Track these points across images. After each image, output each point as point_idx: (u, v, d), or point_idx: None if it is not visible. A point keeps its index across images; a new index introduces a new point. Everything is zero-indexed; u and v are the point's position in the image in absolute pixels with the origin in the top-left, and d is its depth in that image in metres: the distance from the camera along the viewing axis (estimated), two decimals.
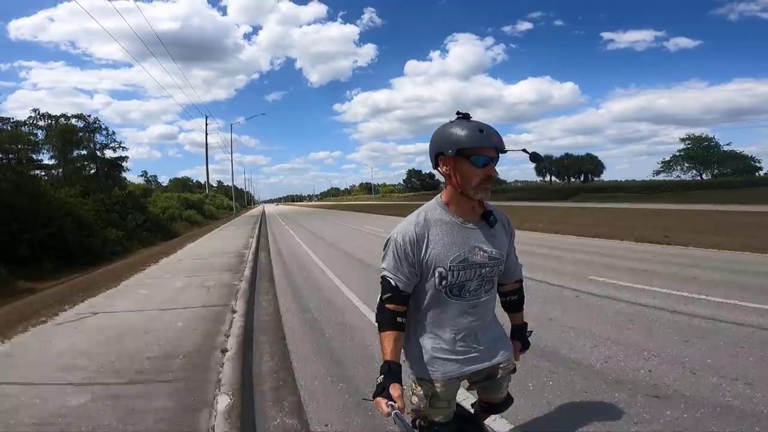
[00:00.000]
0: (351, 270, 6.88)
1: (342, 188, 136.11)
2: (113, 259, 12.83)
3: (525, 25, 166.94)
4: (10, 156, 16.34)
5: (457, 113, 1.22)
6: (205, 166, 47.37)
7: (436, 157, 1.24)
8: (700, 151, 47.98)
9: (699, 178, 46.88)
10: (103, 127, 23.84)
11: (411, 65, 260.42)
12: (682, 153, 49.18)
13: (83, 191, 16.82)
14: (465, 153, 1.16)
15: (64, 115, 22.62)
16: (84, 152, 23.45)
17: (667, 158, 51.18)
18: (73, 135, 20.36)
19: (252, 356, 3.31)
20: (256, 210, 58.82)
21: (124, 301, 4.98)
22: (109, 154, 24.57)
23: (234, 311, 4.27)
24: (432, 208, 1.29)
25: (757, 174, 46.19)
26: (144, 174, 56.27)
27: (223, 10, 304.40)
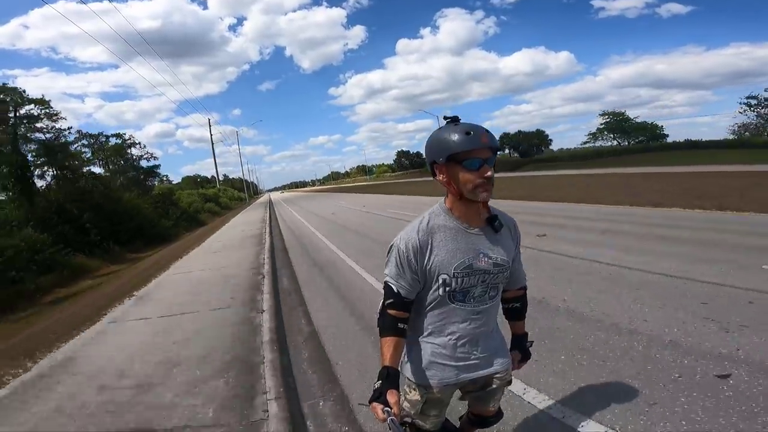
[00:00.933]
0: (321, 222, 12.89)
1: (342, 171, 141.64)
2: (172, 240, 18.96)
3: None
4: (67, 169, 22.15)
5: (445, 117, 1.21)
6: (207, 160, 53.43)
7: (432, 166, 1.21)
8: (617, 124, 54.56)
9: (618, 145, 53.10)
10: (137, 142, 29.76)
11: (402, 44, 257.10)
12: (603, 126, 55.46)
13: (139, 194, 22.96)
14: (457, 158, 1.13)
15: (101, 134, 28.52)
16: (123, 163, 29.47)
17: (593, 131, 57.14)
18: (123, 151, 26.30)
19: (276, 265, 9.29)
20: (263, 198, 65.00)
21: (194, 263, 11.01)
22: (143, 163, 30.66)
23: (264, 257, 10.26)
24: (436, 213, 1.25)
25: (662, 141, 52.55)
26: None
27: (204, 4, 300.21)
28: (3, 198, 14.04)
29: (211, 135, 52.64)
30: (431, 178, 1.25)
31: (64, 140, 19.03)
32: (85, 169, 25.03)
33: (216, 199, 43.08)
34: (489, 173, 1.13)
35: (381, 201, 19.08)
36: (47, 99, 17.50)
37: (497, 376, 1.35)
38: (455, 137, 1.12)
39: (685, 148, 40.64)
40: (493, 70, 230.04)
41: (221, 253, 8.83)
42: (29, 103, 16.96)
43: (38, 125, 17.36)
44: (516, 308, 1.45)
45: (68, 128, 19.93)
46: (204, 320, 4.03)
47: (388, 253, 1.26)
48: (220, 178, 70.54)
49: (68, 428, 2.31)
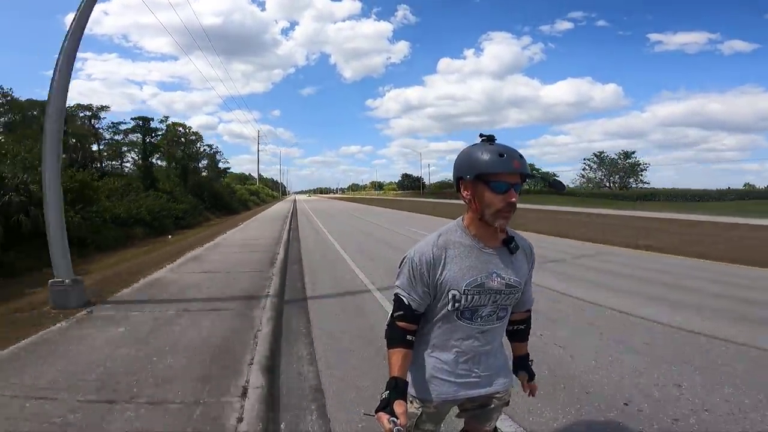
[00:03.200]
0: (322, 215, 28.45)
1: (360, 185, 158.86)
2: (238, 213, 34.79)
3: (565, 25, 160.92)
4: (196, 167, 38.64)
5: (480, 135, 1.20)
6: (242, 156, 70.06)
7: (458, 181, 1.22)
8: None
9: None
10: (220, 150, 46.56)
11: (444, 63, 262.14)
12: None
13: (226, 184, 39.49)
14: (485, 178, 1.14)
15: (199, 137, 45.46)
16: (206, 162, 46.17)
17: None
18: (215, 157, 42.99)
19: (291, 239, 24.74)
20: (290, 198, 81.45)
21: (247, 232, 26.70)
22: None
23: (284, 233, 25.78)
24: (452, 230, 1.27)
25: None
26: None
27: (263, 6, 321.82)
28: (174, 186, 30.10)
29: (258, 145, 69.75)
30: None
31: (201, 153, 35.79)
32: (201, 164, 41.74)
33: (257, 193, 59.72)
34: (514, 199, 1.14)
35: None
36: (196, 130, 34.11)
37: (497, 395, 1.34)
38: (487, 157, 1.12)
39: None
40: (534, 97, 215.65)
41: (268, 218, 24.35)
42: (192, 134, 33.71)
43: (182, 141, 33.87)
44: (521, 330, 1.46)
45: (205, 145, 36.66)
46: (260, 247, 19.40)
47: (401, 264, 1.27)
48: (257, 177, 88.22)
49: (217, 265, 14.72)
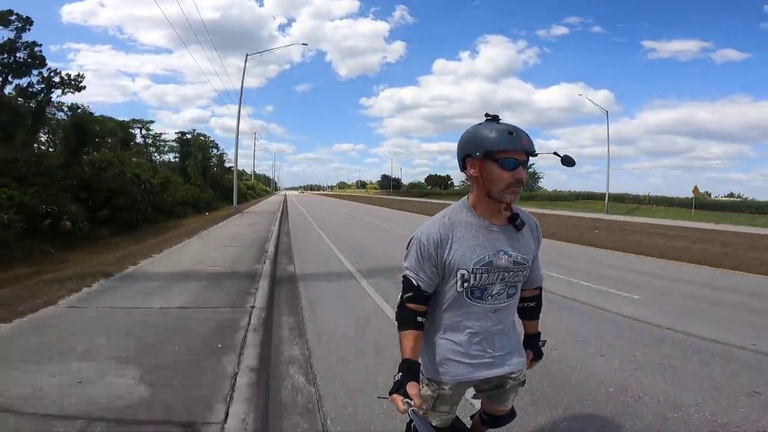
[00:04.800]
0: (310, 204, 38.80)
1: (348, 183, 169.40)
2: (243, 204, 44.77)
3: (560, 30, 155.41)
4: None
5: (486, 115, 1.22)
6: (233, 150, 80.00)
7: (464, 160, 1.23)
8: None
9: None
10: (226, 152, 56.54)
11: (439, 64, 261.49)
12: None
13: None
14: (493, 156, 1.16)
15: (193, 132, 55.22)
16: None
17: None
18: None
19: (281, 231, 35.09)
20: (280, 194, 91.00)
21: (259, 206, 37.05)
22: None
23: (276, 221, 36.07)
24: (458, 209, 1.29)
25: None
26: None
27: (260, 1, 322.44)
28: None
29: (255, 142, 79.34)
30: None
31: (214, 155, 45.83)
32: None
33: (254, 188, 69.74)
34: (522, 175, 1.17)
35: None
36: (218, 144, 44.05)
37: (512, 376, 1.36)
38: (496, 135, 1.15)
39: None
40: (527, 101, 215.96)
41: (268, 204, 34.62)
42: (210, 142, 43.80)
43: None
44: (531, 307, 1.47)
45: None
46: (259, 224, 29.71)
47: (408, 245, 1.28)
48: (249, 171, 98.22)
49: (220, 240, 26.62)
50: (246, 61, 25.62)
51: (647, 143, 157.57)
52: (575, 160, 1.22)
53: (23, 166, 12.05)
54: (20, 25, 15.64)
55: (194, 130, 40.84)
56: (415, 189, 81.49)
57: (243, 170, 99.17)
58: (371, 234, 14.22)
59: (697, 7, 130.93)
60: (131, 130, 35.82)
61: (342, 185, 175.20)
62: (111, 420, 2.11)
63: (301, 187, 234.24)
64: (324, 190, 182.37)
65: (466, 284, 1.24)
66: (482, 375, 1.32)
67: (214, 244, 9.83)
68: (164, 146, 38.88)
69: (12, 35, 15.71)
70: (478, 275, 1.23)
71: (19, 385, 2.42)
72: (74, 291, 4.63)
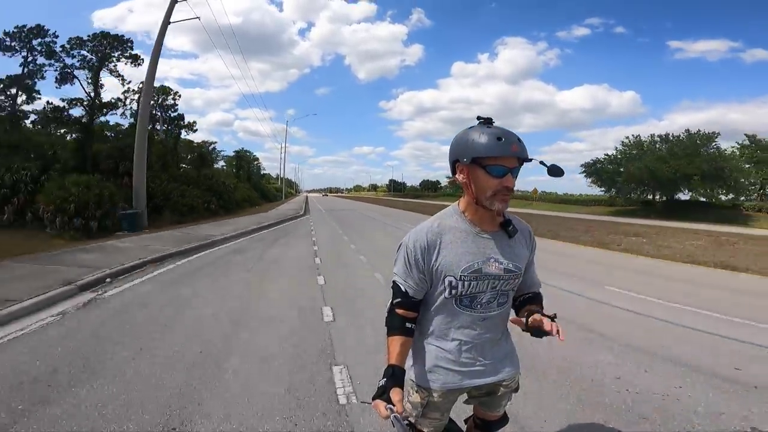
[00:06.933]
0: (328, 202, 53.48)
1: (362, 186, 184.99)
2: (273, 201, 59.70)
3: (582, 31, 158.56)
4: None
5: (478, 118, 1.17)
6: (256, 153, 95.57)
7: (454, 164, 1.20)
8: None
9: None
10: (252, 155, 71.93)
11: (458, 67, 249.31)
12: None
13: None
14: (481, 162, 1.12)
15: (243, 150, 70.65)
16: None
17: None
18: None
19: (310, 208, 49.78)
20: (302, 196, 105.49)
21: (285, 206, 51.92)
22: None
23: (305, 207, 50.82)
24: (449, 214, 1.26)
25: None
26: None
27: (280, 6, 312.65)
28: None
29: (284, 147, 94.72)
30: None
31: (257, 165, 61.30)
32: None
33: (281, 190, 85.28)
34: (510, 183, 1.12)
35: None
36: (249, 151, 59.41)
37: (503, 383, 1.33)
38: (484, 140, 1.10)
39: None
40: (549, 102, 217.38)
41: (294, 205, 49.35)
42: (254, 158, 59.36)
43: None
44: (528, 297, 1.35)
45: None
46: (295, 206, 44.35)
47: (398, 251, 1.26)
48: (274, 175, 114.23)
49: (284, 209, 42.23)
50: (287, 125, 40.16)
51: None
52: (563, 169, 1.17)
53: (191, 180, 26.95)
54: (176, 99, 30.49)
55: (242, 147, 56.10)
56: (411, 192, 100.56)
57: (269, 173, 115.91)
58: (352, 214, 28.52)
59: (721, 6, 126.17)
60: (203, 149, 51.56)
61: (357, 188, 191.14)
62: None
63: (324, 189, 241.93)
64: (342, 193, 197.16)
65: (453, 291, 1.20)
66: (472, 383, 1.29)
67: (284, 209, 24.84)
68: (219, 157, 54.20)
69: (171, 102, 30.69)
70: (466, 282, 1.20)
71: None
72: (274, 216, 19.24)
